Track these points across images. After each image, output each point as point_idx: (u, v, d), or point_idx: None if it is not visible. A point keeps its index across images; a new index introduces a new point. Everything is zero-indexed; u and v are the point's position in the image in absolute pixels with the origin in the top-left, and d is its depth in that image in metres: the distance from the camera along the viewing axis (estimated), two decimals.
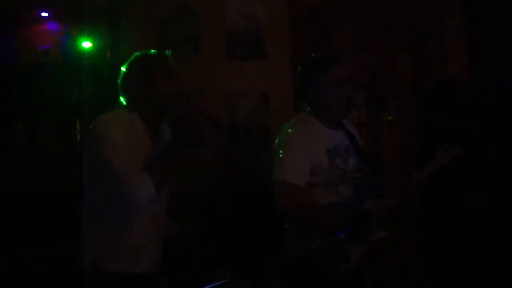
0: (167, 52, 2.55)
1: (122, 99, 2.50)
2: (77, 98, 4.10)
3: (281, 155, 2.63)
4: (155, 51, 2.56)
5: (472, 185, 3.14)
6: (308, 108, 2.74)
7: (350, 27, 4.75)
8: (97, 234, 2.37)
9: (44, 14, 4.22)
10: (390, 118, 2.94)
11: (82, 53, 4.07)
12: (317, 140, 2.65)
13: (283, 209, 2.56)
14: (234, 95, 4.66)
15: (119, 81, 2.50)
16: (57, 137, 4.20)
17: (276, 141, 2.72)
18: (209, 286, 1.73)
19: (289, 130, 2.70)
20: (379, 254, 2.67)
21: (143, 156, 2.38)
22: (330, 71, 2.66)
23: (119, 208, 2.35)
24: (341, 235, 2.00)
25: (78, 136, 4.20)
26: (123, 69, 2.51)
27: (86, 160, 2.37)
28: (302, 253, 2.54)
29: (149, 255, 2.45)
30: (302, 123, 2.72)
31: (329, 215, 2.56)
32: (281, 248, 2.68)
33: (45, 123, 4.22)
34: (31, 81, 4.12)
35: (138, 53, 2.54)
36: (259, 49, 4.69)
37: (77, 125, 4.17)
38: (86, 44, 4.09)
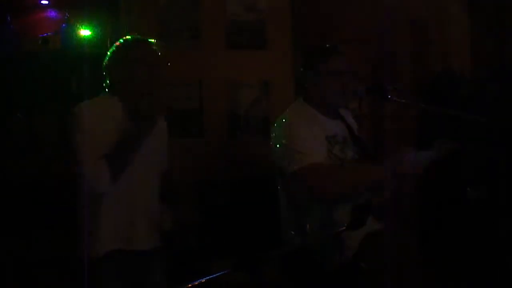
0: (149, 39, 2.61)
1: (108, 86, 2.58)
2: (77, 86, 4.08)
3: (292, 145, 2.58)
4: (136, 37, 2.64)
5: (475, 177, 3.14)
6: (304, 97, 2.72)
7: (352, 18, 4.72)
8: (86, 221, 2.45)
9: (44, 1, 4.19)
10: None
11: (82, 41, 4.05)
12: (316, 127, 2.64)
13: (321, 192, 2.50)
14: (235, 85, 4.64)
15: (103, 68, 2.59)
16: (56, 125, 4.17)
17: (275, 134, 2.68)
18: (207, 277, 1.72)
19: (288, 121, 2.67)
20: (375, 246, 2.66)
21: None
22: (329, 60, 2.65)
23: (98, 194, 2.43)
24: (342, 227, 1.99)
25: None
26: (107, 56, 2.59)
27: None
28: (298, 244, 2.54)
29: (138, 235, 2.52)
30: (300, 112, 2.70)
31: (362, 174, 2.54)
32: (281, 239, 2.67)
33: (45, 112, 4.19)
34: (31, 69, 4.10)
35: (121, 40, 2.62)
36: (260, 39, 4.67)
37: None
38: (86, 32, 4.07)
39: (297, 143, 2.56)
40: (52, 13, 4.18)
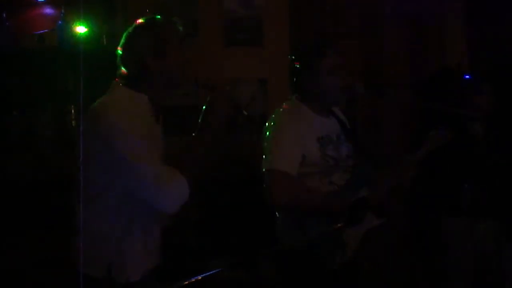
0: (175, 19, 2.16)
1: (122, 74, 2.10)
2: (73, 84, 4.07)
3: (271, 144, 2.56)
4: (163, 16, 2.15)
5: (472, 173, 3.14)
6: (297, 95, 2.69)
7: (350, 14, 4.72)
8: (109, 238, 2.05)
9: None
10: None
11: (78, 39, 4.04)
12: (307, 128, 2.60)
13: (275, 199, 2.48)
14: (233, 82, 4.63)
15: (120, 52, 2.10)
16: (52, 123, 4.16)
17: (266, 131, 2.65)
18: (203, 275, 1.71)
19: (279, 119, 2.64)
20: (373, 242, 2.66)
21: (158, 147, 2.09)
22: (325, 57, 2.61)
23: (136, 208, 2.02)
24: (338, 223, 1.98)
25: (73, 122, 4.18)
26: (126, 37, 2.10)
27: (87, 152, 1.94)
28: (297, 243, 2.52)
29: (160, 247, 2.24)
30: (292, 111, 2.66)
31: (322, 203, 2.52)
32: (277, 237, 2.66)
33: (41, 110, 4.18)
34: (27, 67, 4.09)
35: (145, 19, 2.13)
36: (257, 36, 4.66)
37: (72, 111, 4.14)
38: (82, 30, 4.05)
39: (277, 144, 2.54)
40: (48, 10, 4.16)
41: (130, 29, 2.11)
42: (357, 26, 4.70)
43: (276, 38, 4.67)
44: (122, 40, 2.12)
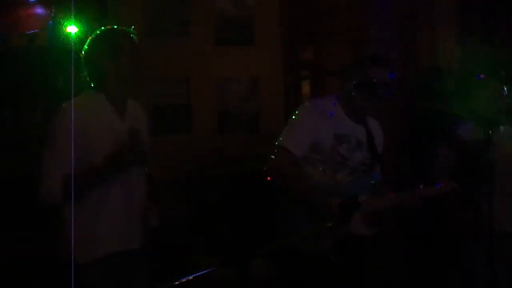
0: (129, 28, 2.54)
1: (84, 77, 2.48)
2: (63, 84, 4.06)
3: (286, 127, 2.80)
4: (118, 27, 2.55)
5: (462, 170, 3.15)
6: (337, 95, 2.86)
7: (340, 14, 4.72)
8: (71, 224, 2.35)
9: None
10: None
11: (69, 38, 4.03)
12: (327, 121, 2.77)
13: (269, 167, 2.72)
14: (224, 82, 4.63)
15: (83, 59, 2.48)
16: (43, 123, 4.15)
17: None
18: (195, 274, 1.71)
19: (301, 108, 2.85)
20: (355, 244, 2.70)
21: (111, 136, 2.38)
22: (366, 70, 2.75)
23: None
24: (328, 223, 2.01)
25: None
26: (86, 46, 2.49)
27: None
28: (284, 238, 2.59)
29: (132, 234, 2.48)
30: (324, 103, 2.87)
31: (305, 189, 2.68)
32: (269, 236, 2.68)
33: (31, 110, 4.17)
34: (17, 66, 4.07)
35: (101, 29, 2.52)
36: (248, 35, 4.66)
37: None
38: (73, 29, 4.04)
39: (290, 127, 2.78)
40: (38, 10, 4.15)
41: (90, 38, 2.50)
42: (347, 25, 4.72)
43: (267, 37, 4.68)
44: (84, 48, 2.50)
